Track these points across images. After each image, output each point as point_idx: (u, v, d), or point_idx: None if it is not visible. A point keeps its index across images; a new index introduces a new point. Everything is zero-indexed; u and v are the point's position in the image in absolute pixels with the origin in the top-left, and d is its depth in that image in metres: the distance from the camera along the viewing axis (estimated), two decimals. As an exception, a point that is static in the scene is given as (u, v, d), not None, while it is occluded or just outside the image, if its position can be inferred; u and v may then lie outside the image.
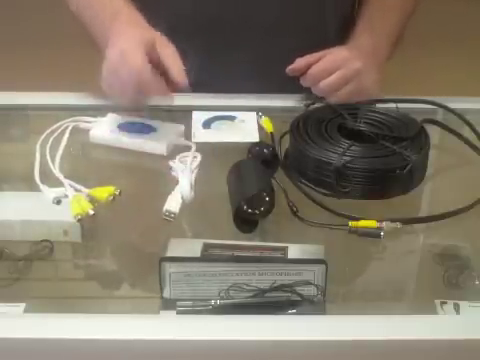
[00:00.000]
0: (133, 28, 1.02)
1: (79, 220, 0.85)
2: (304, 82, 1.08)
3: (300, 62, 1.08)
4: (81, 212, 0.85)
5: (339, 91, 1.07)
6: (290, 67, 1.08)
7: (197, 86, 1.15)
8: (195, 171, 0.93)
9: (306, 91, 1.10)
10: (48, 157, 0.95)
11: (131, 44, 0.97)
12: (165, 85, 0.97)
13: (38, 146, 0.98)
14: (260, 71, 1.17)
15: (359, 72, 1.09)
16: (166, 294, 0.77)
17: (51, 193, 0.89)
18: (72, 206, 0.86)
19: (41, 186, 0.91)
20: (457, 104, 1.08)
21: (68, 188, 0.89)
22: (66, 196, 0.88)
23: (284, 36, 1.17)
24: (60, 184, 0.91)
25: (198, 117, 1.08)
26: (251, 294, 0.76)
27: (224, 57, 1.17)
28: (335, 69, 1.07)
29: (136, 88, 0.96)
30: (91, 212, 0.85)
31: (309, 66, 1.08)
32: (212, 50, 1.18)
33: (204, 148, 0.98)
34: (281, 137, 1.01)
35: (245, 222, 0.85)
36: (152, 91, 0.97)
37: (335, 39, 1.19)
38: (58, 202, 0.88)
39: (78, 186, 0.90)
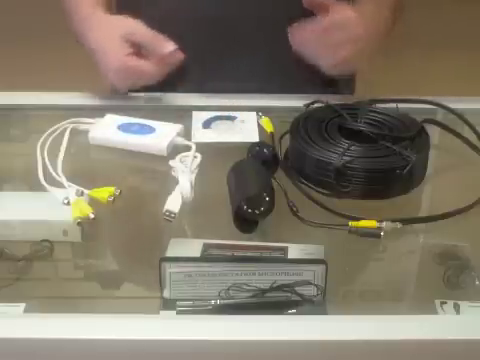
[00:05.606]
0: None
1: (79, 223, 0.84)
2: None
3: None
4: (81, 215, 0.85)
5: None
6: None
7: (194, 86, 1.15)
8: (195, 171, 0.93)
9: (306, 91, 1.10)
10: (47, 159, 0.95)
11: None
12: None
13: (38, 148, 0.98)
14: (259, 70, 1.17)
15: (360, 38, 1.06)
16: (166, 294, 0.77)
17: (57, 194, 0.89)
18: (72, 209, 0.86)
19: (48, 187, 0.91)
20: (457, 104, 1.07)
21: (70, 191, 0.89)
22: (68, 198, 0.88)
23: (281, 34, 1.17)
24: (61, 185, 0.91)
25: (198, 117, 1.08)
26: (251, 294, 0.76)
27: (221, 56, 1.17)
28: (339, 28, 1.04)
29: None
30: (92, 216, 0.85)
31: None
32: (209, 50, 1.17)
33: (204, 148, 0.98)
34: (281, 137, 1.01)
35: (245, 222, 0.85)
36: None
37: None
38: (68, 203, 0.87)
39: (78, 187, 0.90)
